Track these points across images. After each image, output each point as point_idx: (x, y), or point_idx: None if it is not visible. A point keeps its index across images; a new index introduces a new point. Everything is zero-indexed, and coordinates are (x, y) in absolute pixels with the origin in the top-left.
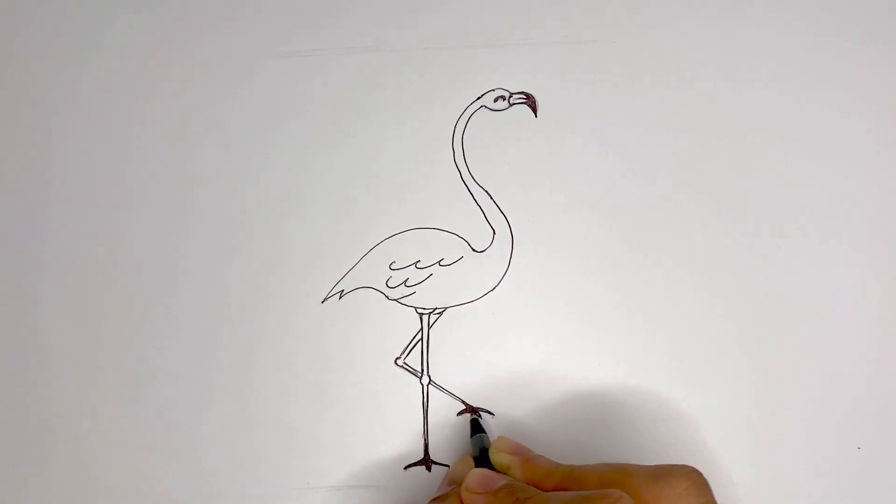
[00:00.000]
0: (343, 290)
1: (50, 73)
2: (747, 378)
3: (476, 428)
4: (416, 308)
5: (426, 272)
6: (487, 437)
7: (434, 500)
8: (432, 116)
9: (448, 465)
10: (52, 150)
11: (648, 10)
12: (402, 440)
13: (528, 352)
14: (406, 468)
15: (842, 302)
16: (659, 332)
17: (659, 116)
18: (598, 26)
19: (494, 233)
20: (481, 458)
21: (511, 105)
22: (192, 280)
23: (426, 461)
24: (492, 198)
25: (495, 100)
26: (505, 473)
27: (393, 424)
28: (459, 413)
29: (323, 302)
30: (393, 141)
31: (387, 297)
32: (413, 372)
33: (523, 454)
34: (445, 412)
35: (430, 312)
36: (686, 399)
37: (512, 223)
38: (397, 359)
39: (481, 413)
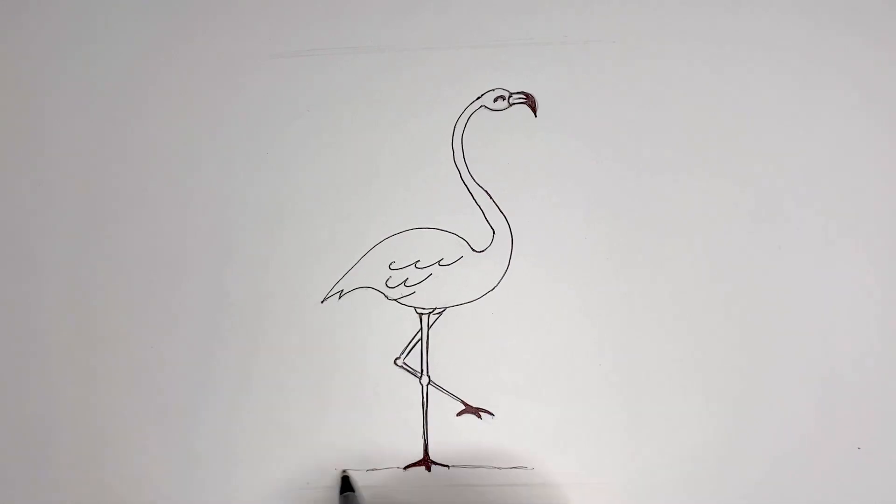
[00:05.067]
0: (343, 290)
1: (49, 74)
2: (748, 378)
3: (345, 486)
4: (415, 308)
5: (426, 272)
6: (355, 497)
7: None
8: (432, 116)
9: (448, 466)
10: (52, 151)
11: (648, 10)
12: (402, 440)
13: (528, 352)
14: (406, 468)
15: (842, 302)
16: (659, 332)
17: (658, 116)
18: (598, 26)
19: (494, 233)
20: None
21: (511, 105)
22: (192, 280)
23: (426, 461)
24: (492, 198)
25: (495, 100)
26: None
27: (393, 424)
28: (459, 413)
29: (323, 302)
30: (393, 141)
31: (386, 297)
32: (413, 372)
33: None
34: (445, 412)
35: (430, 312)
36: (686, 398)
37: (512, 223)
38: (397, 359)
39: (350, 482)
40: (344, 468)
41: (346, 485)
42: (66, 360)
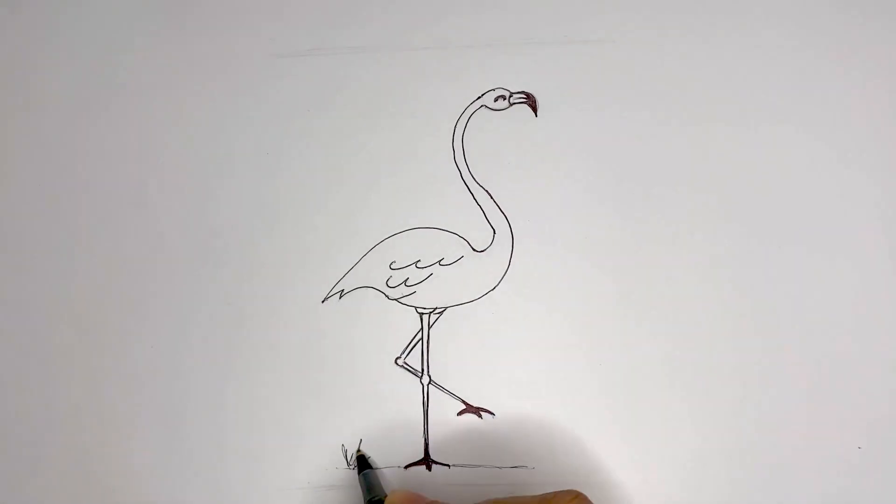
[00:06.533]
0: (343, 290)
1: (48, 72)
2: (748, 378)
3: (363, 465)
4: (416, 308)
5: (426, 272)
6: (375, 474)
7: None
8: (432, 116)
9: (449, 465)
10: (52, 151)
11: (648, 10)
12: (402, 440)
13: (528, 352)
14: (406, 468)
15: (842, 301)
16: (659, 332)
17: (659, 116)
18: (598, 26)
19: (495, 232)
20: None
21: (511, 105)
22: (190, 279)
23: (426, 461)
24: (492, 197)
25: (495, 99)
26: None
27: (393, 424)
28: (459, 413)
29: (323, 302)
30: (393, 140)
31: (387, 296)
32: (413, 372)
33: (418, 502)
34: (445, 412)
35: (431, 312)
36: (687, 399)
37: (512, 223)
38: (397, 359)
39: (367, 461)
40: (360, 448)
41: (363, 464)
42: (63, 360)
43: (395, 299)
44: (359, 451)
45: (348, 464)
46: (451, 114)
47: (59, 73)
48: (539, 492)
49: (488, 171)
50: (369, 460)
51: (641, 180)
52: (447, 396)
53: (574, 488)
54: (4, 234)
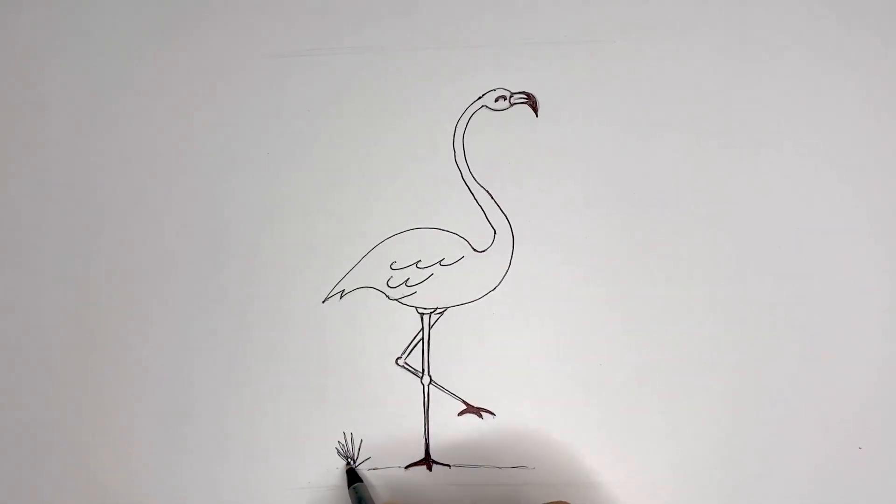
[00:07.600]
0: (343, 290)
1: (45, 73)
2: (748, 378)
3: (353, 478)
4: (416, 308)
5: (427, 272)
6: (365, 487)
7: None
8: (432, 116)
9: (449, 465)
10: (51, 150)
11: (648, 10)
12: (403, 440)
13: (528, 352)
14: (406, 468)
15: (842, 302)
16: (659, 332)
17: (659, 116)
18: (598, 26)
19: (495, 232)
20: None
21: (512, 105)
22: (191, 280)
23: (426, 461)
24: (493, 197)
25: (496, 99)
26: None
27: (394, 424)
28: (460, 413)
29: (323, 302)
30: (394, 141)
31: (387, 296)
32: (413, 372)
33: None
34: (446, 412)
35: (431, 312)
36: (687, 398)
37: (513, 223)
38: (398, 359)
39: (357, 473)
40: (348, 462)
41: (353, 477)
42: (65, 360)
43: (396, 299)
44: (347, 464)
45: (347, 458)
46: (452, 114)
47: (60, 76)
48: (538, 492)
49: (489, 171)
50: (358, 472)
51: (641, 181)
52: (448, 396)
53: (573, 488)
54: (8, 235)
